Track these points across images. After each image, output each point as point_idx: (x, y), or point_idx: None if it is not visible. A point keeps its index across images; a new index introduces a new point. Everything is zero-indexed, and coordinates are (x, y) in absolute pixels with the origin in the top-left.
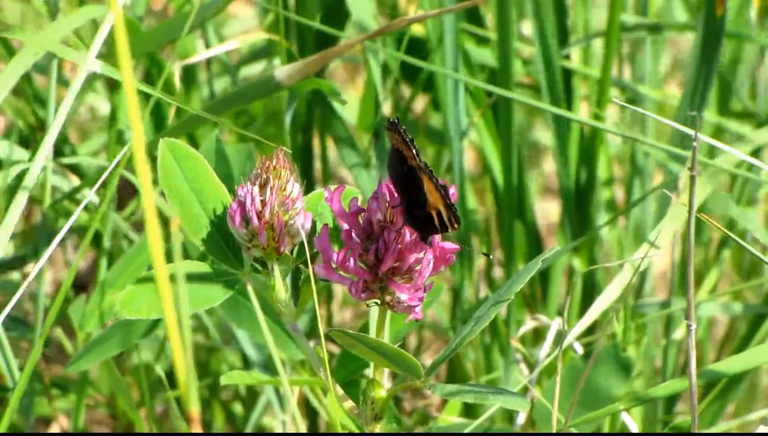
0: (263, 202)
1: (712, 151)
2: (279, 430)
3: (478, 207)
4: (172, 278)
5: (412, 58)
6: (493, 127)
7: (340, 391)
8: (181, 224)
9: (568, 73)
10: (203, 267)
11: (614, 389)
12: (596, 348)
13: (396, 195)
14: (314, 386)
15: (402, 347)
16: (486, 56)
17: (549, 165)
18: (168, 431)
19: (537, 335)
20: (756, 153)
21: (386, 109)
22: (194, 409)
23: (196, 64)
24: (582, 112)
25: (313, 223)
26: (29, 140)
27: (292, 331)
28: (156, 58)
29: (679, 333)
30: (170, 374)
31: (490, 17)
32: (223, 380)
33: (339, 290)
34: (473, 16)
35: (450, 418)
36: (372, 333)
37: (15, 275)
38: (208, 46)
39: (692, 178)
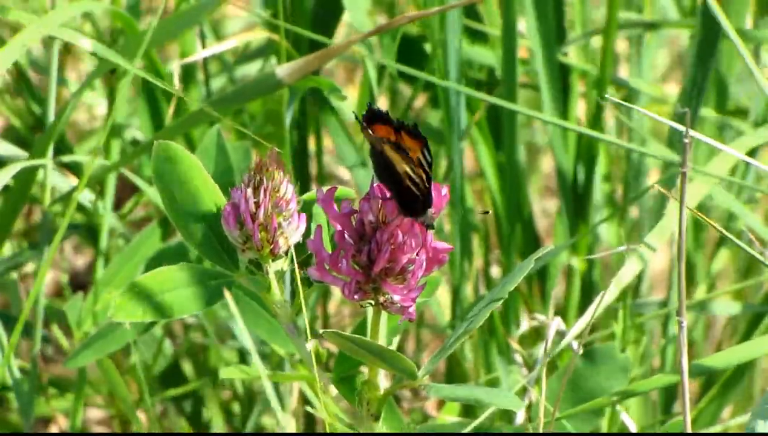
0: (257, 204)
1: (712, 151)
2: (278, 430)
3: (477, 206)
4: (167, 280)
5: (410, 68)
6: (488, 134)
7: (334, 391)
8: (175, 225)
9: (565, 71)
10: (198, 269)
11: (613, 390)
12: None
13: (386, 193)
14: (313, 386)
15: (399, 347)
16: (484, 55)
17: (548, 164)
18: (167, 430)
19: (538, 334)
20: (753, 152)
21: (384, 106)
22: None
23: (194, 63)
24: (579, 108)
25: (308, 224)
26: (27, 141)
27: (289, 331)
28: (153, 58)
29: (675, 332)
30: (169, 373)
31: (482, 9)
32: (222, 374)
33: (336, 289)
34: (469, 10)
35: (448, 417)
36: (367, 333)
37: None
38: (204, 45)
39: (683, 176)
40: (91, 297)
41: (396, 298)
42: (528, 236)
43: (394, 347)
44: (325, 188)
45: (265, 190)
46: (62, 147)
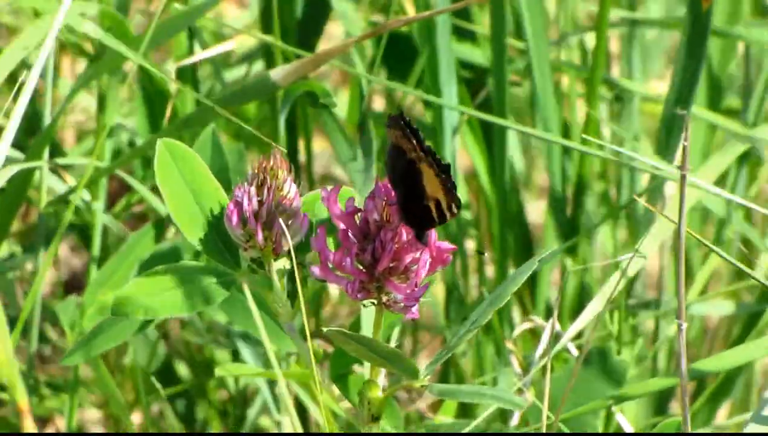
0: (260, 203)
1: (704, 153)
2: (274, 430)
3: (472, 204)
4: (168, 278)
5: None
6: (480, 134)
7: (336, 390)
8: (178, 224)
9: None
10: (200, 267)
11: (609, 392)
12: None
13: (393, 193)
14: (309, 385)
15: (398, 346)
16: (473, 54)
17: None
18: (164, 431)
19: (534, 335)
20: (746, 154)
21: (379, 104)
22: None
23: (188, 65)
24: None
25: (311, 223)
26: (21, 142)
27: (288, 329)
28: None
29: (669, 333)
30: (164, 373)
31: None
32: (218, 372)
33: (333, 288)
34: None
35: (445, 418)
36: (366, 332)
37: (11, 275)
38: (196, 48)
39: (682, 178)
40: (87, 296)
41: (399, 297)
42: (521, 235)
43: (392, 344)
44: (329, 187)
45: (268, 189)
46: (55, 148)
